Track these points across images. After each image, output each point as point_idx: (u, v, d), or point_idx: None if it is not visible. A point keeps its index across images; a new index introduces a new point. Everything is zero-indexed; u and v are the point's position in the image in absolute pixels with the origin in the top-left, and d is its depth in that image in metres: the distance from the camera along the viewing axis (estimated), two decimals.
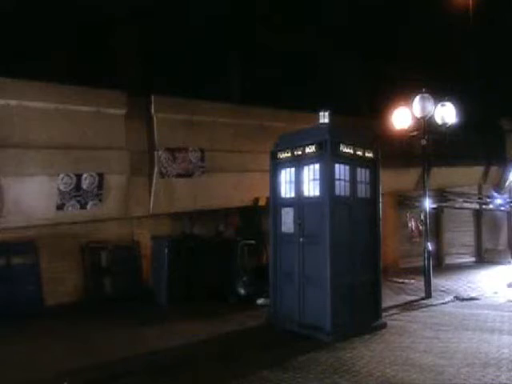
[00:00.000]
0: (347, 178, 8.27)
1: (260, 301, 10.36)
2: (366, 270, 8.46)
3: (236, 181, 12.24)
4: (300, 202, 8.50)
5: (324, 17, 15.62)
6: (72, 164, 9.99)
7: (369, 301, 8.52)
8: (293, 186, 8.67)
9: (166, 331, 8.53)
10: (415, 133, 11.80)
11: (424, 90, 11.56)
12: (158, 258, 10.95)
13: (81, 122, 10.13)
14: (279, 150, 8.91)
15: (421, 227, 15.25)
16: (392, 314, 9.55)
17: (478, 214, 19.12)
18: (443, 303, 10.87)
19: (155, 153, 11.05)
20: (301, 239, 8.34)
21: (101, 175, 10.29)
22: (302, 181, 8.50)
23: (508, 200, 19.22)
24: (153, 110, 11.11)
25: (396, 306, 10.30)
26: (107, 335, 8.28)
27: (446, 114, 11.70)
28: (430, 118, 11.60)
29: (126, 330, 8.58)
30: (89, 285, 10.80)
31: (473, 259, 18.68)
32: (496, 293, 12.11)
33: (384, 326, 8.59)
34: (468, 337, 8.01)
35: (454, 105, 11.79)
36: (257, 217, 12.57)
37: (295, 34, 14.67)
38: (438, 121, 11.71)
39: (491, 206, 19.09)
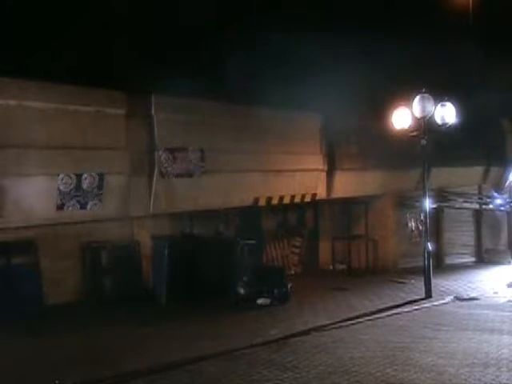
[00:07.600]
0: None
1: (260, 301, 10.36)
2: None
3: (236, 181, 12.22)
4: None
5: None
6: (72, 164, 9.98)
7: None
8: None
9: (164, 331, 8.54)
10: (415, 133, 11.79)
11: (424, 90, 11.56)
12: (158, 257, 10.95)
13: (81, 122, 10.11)
14: None
15: (421, 227, 15.23)
16: (392, 314, 9.55)
17: (478, 214, 19.08)
18: (443, 303, 10.87)
19: (155, 153, 11.05)
20: None
21: (101, 175, 10.28)
22: None
23: (508, 200, 19.20)
24: (153, 110, 11.10)
25: (396, 306, 10.30)
26: (106, 335, 8.29)
27: (446, 113, 11.69)
28: (429, 118, 11.59)
29: (125, 330, 8.58)
30: (89, 285, 10.80)
31: (473, 259, 18.64)
32: (496, 293, 12.12)
33: (384, 325, 8.60)
34: (468, 337, 8.02)
35: (454, 105, 11.79)
36: (257, 217, 12.57)
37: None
38: (438, 121, 11.71)
39: (491, 206, 19.07)
